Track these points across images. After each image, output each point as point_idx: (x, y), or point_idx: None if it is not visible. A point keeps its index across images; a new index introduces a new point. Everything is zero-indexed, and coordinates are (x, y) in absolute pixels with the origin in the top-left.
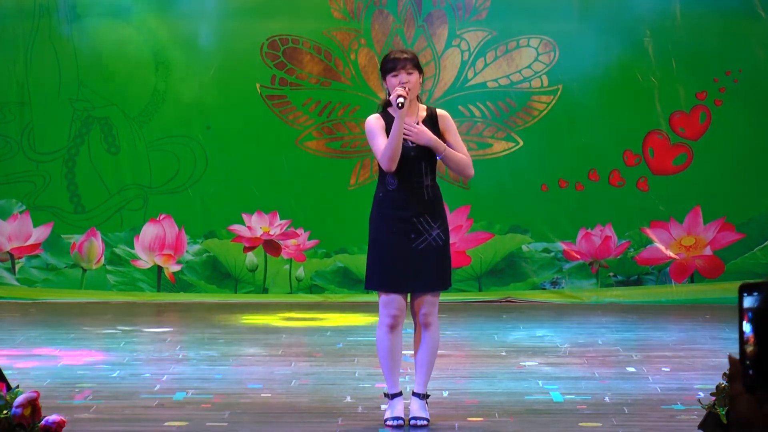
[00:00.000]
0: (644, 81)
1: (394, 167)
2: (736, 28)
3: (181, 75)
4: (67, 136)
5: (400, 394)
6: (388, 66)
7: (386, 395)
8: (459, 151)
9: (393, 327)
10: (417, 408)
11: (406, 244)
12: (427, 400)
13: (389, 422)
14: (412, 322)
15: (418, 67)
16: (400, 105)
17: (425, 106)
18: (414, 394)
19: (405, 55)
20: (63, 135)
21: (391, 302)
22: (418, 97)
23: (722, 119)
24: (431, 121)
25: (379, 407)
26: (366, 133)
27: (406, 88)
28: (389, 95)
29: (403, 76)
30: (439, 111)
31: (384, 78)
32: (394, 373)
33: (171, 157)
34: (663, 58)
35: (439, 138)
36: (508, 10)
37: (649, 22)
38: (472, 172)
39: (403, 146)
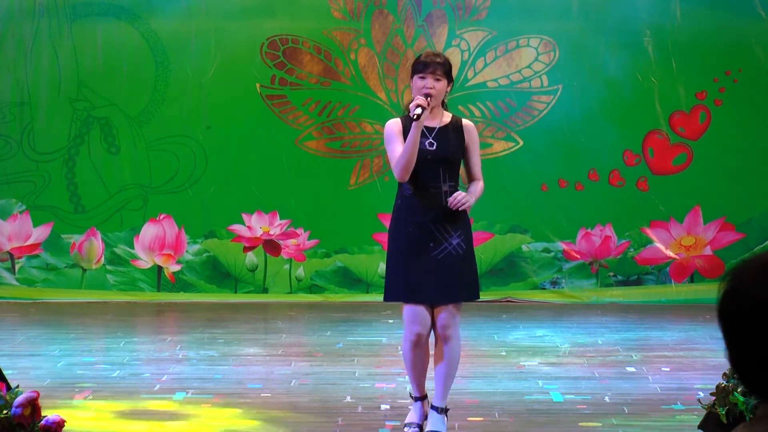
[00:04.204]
0: (644, 81)
1: (406, 178)
2: (736, 28)
3: (181, 75)
4: (67, 136)
5: (424, 397)
6: (419, 67)
7: (411, 396)
8: (476, 169)
9: (417, 343)
10: (434, 422)
11: (424, 253)
12: (447, 414)
13: (406, 429)
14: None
15: (447, 75)
16: (415, 117)
17: (451, 114)
18: (432, 407)
19: (438, 60)
20: (63, 135)
21: (415, 319)
22: (443, 103)
23: (722, 119)
24: (455, 130)
25: (379, 407)
26: (384, 138)
27: (428, 99)
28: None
29: (429, 81)
30: (465, 122)
31: (411, 77)
32: (419, 379)
33: (171, 157)
34: (663, 58)
35: (461, 144)
36: (508, 10)
37: (649, 22)
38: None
39: (421, 150)
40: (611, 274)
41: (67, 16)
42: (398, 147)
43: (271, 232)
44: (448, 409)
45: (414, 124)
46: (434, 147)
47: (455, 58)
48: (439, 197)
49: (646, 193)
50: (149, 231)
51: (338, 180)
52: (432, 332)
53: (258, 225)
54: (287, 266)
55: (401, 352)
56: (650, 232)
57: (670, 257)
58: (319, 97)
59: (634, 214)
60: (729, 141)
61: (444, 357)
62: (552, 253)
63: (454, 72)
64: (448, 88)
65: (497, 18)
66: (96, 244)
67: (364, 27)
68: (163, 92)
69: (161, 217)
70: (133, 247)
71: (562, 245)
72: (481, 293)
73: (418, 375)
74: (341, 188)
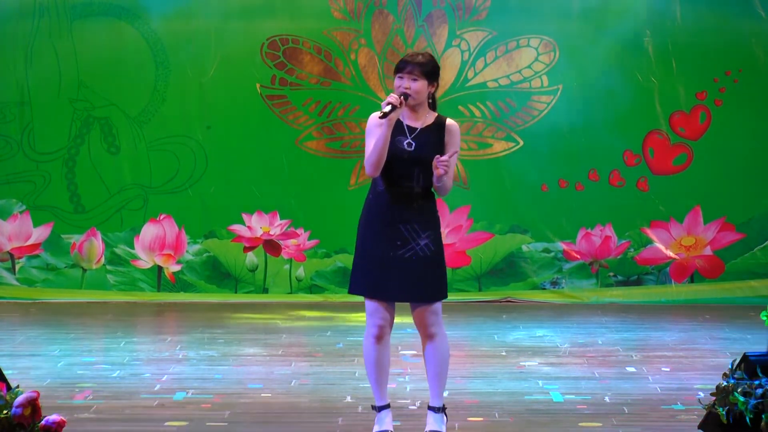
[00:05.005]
0: (644, 81)
1: (376, 174)
2: (736, 28)
3: (181, 75)
4: (67, 136)
5: (387, 406)
6: (399, 65)
7: (374, 408)
8: (451, 169)
9: (379, 337)
10: (432, 422)
11: (391, 251)
12: (446, 413)
13: None
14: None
15: (427, 75)
16: (382, 114)
17: (436, 114)
18: (429, 408)
19: (417, 59)
20: (63, 135)
21: (376, 311)
22: (431, 104)
23: (722, 119)
24: (437, 129)
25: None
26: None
27: (401, 98)
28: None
29: (406, 81)
30: (448, 121)
31: (394, 75)
32: (381, 385)
33: (171, 157)
34: (663, 58)
35: (442, 147)
36: (508, 10)
37: (649, 22)
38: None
39: (399, 149)
40: (611, 274)
41: (67, 16)
42: (373, 142)
43: (271, 232)
44: (446, 408)
45: (385, 121)
46: (412, 147)
47: (455, 59)
48: (411, 197)
49: (646, 193)
50: (149, 231)
51: (338, 180)
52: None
53: (258, 225)
54: (287, 266)
55: (363, 354)
56: (650, 232)
57: (670, 257)
58: (319, 97)
59: (634, 214)
60: (729, 141)
61: (433, 356)
62: (552, 253)
63: (454, 72)
64: (431, 88)
65: (497, 18)
66: (96, 244)
67: (364, 27)
68: (163, 92)
69: (161, 217)
70: (133, 247)
71: (562, 245)
72: (481, 293)
73: (381, 376)
74: (341, 188)
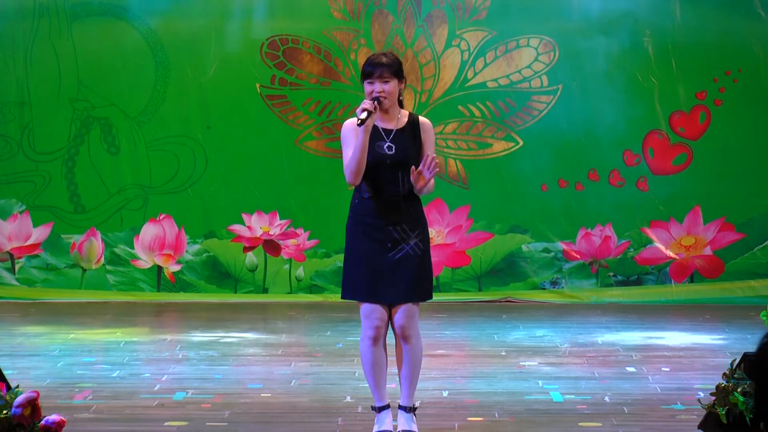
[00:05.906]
0: (644, 81)
1: (357, 181)
2: (736, 28)
3: (181, 75)
4: (67, 136)
5: (387, 406)
6: (366, 71)
7: (373, 408)
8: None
9: (376, 339)
10: (404, 422)
11: (382, 254)
12: (415, 413)
13: None
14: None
15: (396, 74)
16: (359, 122)
17: (407, 113)
18: (400, 407)
19: (383, 61)
20: (63, 135)
21: (372, 312)
22: (400, 102)
23: (722, 119)
24: (412, 128)
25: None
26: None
27: (374, 103)
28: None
29: (377, 86)
30: (421, 119)
31: (362, 82)
32: (380, 386)
33: (171, 157)
34: (663, 58)
35: (419, 146)
36: (508, 10)
37: (649, 22)
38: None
39: (379, 154)
40: (611, 274)
41: (67, 16)
42: (350, 150)
43: (271, 232)
44: (416, 408)
45: (362, 128)
46: (393, 151)
47: (455, 59)
48: (396, 201)
49: (646, 193)
50: (149, 231)
51: (338, 180)
52: (391, 334)
53: (258, 225)
54: (287, 266)
55: (360, 356)
56: (650, 232)
57: (670, 257)
58: (319, 97)
59: (634, 214)
60: (729, 141)
61: (407, 358)
62: (552, 253)
63: (454, 72)
64: (401, 86)
65: (497, 18)
66: (96, 244)
67: (364, 27)
68: (163, 92)
69: (161, 217)
70: (133, 247)
71: (562, 245)
72: (481, 293)
73: (379, 377)
74: (341, 188)
